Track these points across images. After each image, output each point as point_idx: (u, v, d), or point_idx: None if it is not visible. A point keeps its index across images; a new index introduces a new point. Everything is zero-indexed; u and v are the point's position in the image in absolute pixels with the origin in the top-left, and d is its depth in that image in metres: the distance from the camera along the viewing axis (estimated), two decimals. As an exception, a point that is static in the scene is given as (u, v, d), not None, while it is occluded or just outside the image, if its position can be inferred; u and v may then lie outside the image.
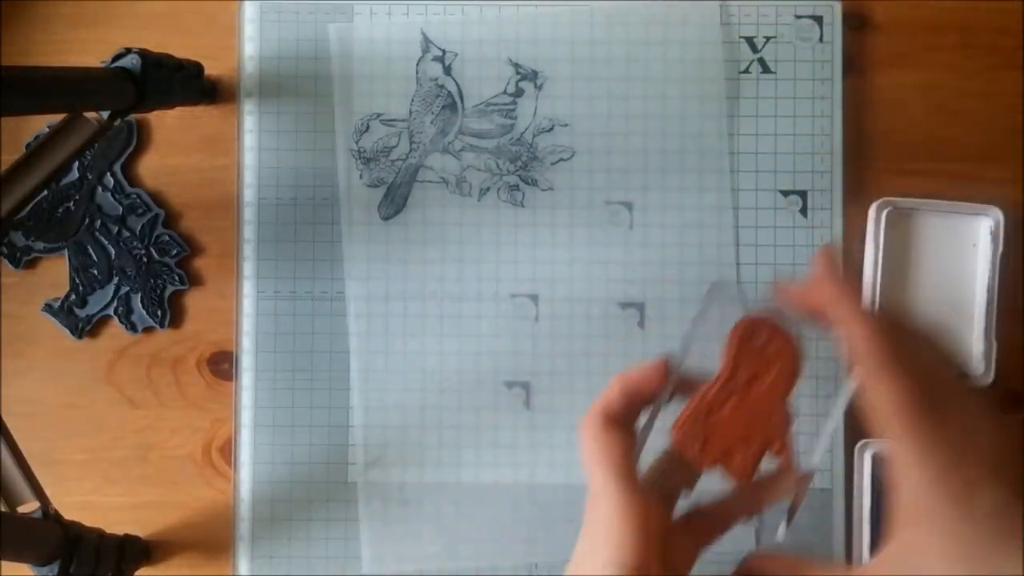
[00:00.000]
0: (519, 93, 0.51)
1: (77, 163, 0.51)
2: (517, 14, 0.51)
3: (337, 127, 0.51)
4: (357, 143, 0.51)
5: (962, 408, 0.33)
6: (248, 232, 0.51)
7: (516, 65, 0.51)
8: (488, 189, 0.51)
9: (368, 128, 0.51)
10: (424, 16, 0.51)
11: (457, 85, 0.51)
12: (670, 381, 0.36)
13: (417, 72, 0.51)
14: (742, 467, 0.38)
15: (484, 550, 0.50)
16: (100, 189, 0.51)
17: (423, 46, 0.51)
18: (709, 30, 0.51)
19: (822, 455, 0.46)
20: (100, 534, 0.47)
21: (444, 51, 0.51)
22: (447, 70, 0.51)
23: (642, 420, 0.37)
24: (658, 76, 0.51)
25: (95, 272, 0.51)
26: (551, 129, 0.51)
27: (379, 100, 0.51)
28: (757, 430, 0.38)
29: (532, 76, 0.51)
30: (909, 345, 0.33)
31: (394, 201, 0.51)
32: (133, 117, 0.52)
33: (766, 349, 0.38)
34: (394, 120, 0.52)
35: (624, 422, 0.36)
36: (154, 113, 0.51)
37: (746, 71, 0.51)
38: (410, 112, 0.52)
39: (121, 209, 0.51)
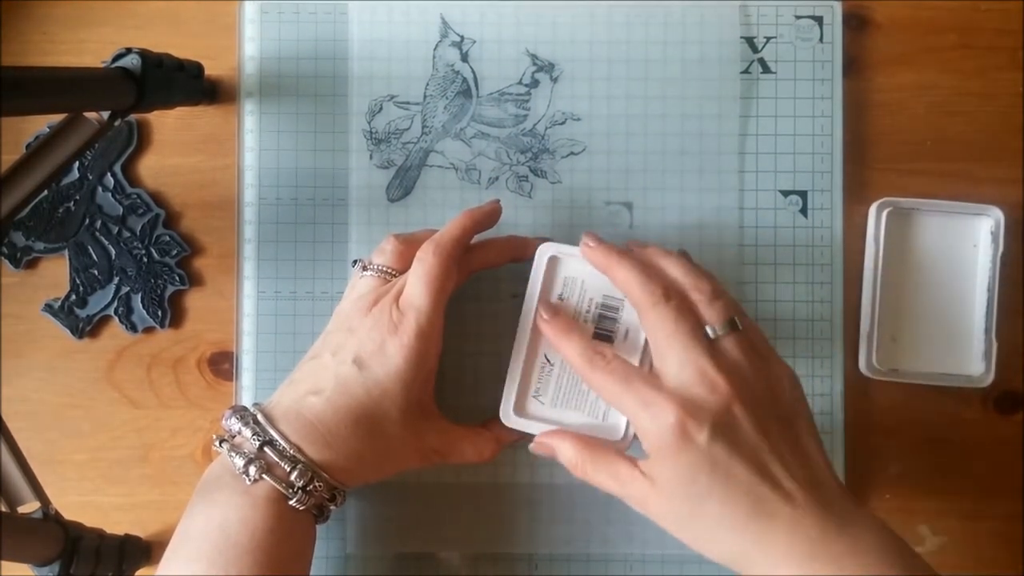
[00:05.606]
0: (534, 84, 0.51)
1: (77, 163, 0.51)
2: (537, 7, 0.51)
3: (351, 106, 0.51)
4: (369, 123, 0.51)
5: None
6: (248, 232, 0.51)
7: (533, 56, 0.51)
8: (497, 178, 0.51)
9: (381, 109, 0.51)
10: (444, 1, 0.51)
11: (473, 72, 0.51)
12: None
13: (434, 57, 0.51)
14: None
15: (474, 537, 0.50)
16: (100, 189, 0.51)
17: (442, 31, 0.51)
18: (727, 30, 0.51)
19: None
20: (100, 534, 0.48)
21: (462, 37, 0.51)
22: (464, 57, 0.51)
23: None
24: (676, 76, 0.51)
25: (95, 272, 0.51)
26: (564, 123, 0.51)
27: (394, 82, 0.51)
28: None
29: (549, 68, 0.51)
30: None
31: (403, 184, 0.51)
32: (133, 117, 0.52)
33: None
34: (408, 103, 0.52)
35: (458, 257, 0.44)
36: (154, 113, 0.51)
37: (746, 71, 0.51)
38: (424, 96, 0.51)
39: (121, 209, 0.51)
